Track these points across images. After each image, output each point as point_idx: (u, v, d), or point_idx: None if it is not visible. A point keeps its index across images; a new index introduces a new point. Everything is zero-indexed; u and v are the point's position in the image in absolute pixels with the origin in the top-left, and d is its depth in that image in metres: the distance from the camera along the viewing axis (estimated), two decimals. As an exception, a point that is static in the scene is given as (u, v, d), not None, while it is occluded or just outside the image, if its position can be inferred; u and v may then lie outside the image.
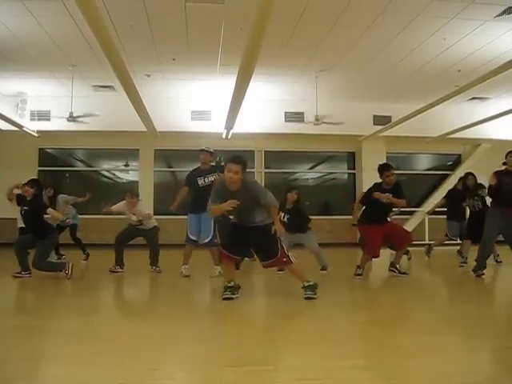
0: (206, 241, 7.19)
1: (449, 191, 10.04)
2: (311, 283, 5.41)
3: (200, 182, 7.29)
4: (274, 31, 7.06)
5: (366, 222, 7.23)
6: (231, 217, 5.71)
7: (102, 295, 6.39)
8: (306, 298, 5.28)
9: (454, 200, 9.54)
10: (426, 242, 13.01)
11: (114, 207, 8.23)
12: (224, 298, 5.28)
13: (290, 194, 7.39)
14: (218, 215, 5.38)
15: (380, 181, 7.16)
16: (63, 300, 5.71)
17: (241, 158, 5.18)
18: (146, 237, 8.00)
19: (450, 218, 9.79)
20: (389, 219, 7.62)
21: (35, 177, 12.33)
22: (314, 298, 5.28)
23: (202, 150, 7.44)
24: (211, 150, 7.50)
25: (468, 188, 8.80)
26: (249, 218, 5.32)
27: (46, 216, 7.34)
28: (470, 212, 8.91)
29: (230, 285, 5.38)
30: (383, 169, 7.16)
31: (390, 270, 7.34)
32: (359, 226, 7.44)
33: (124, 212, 8.02)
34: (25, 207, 7.17)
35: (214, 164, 7.65)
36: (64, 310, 5.02)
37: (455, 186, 9.89)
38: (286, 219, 7.26)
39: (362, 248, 7.73)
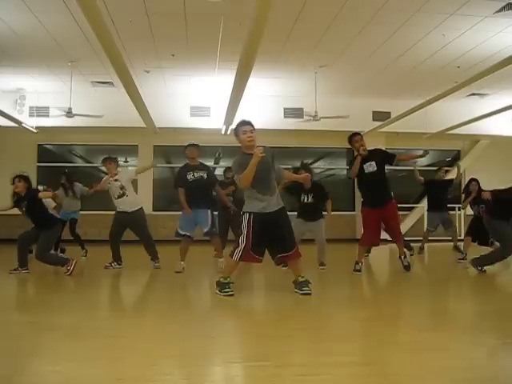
0: (206, 230, 7.20)
1: (427, 182, 9.97)
2: (305, 278, 5.42)
3: (189, 176, 7.24)
4: (273, 27, 7.06)
5: (363, 205, 7.24)
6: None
7: (101, 291, 6.38)
8: (304, 294, 5.29)
9: (432, 191, 9.79)
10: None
11: (100, 185, 8.09)
12: (226, 295, 5.26)
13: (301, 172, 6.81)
14: (251, 177, 5.11)
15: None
16: (61, 296, 5.70)
17: (249, 120, 5.45)
18: (133, 226, 7.81)
19: (428, 209, 10.10)
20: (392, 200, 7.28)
21: (34, 173, 12.38)
22: (310, 294, 5.29)
23: (189, 145, 7.40)
24: (197, 144, 7.47)
25: (470, 193, 8.80)
26: (269, 187, 5.30)
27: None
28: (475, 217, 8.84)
29: (226, 281, 5.37)
30: (352, 135, 7.25)
31: (399, 257, 7.34)
32: (362, 210, 7.39)
33: (108, 184, 7.82)
34: (24, 203, 7.15)
35: (201, 162, 7.61)
36: (62, 306, 5.02)
37: (434, 176, 10.08)
38: (310, 200, 7.31)
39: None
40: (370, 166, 6.97)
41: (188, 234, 7.20)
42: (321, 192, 7.47)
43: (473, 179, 8.94)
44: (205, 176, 7.29)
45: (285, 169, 6.11)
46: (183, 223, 7.25)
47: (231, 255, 5.33)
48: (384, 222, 7.13)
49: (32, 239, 7.22)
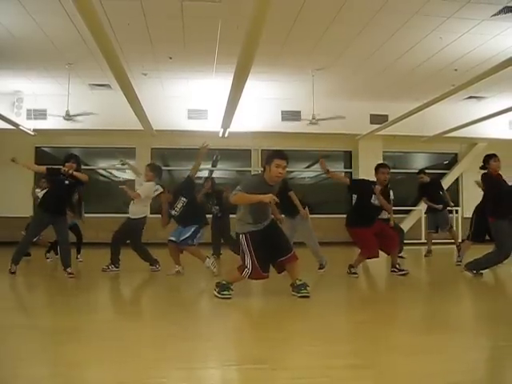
0: (182, 239, 7.20)
1: (420, 186, 10.18)
2: (302, 282, 5.42)
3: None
4: (270, 30, 7.07)
5: (355, 225, 7.20)
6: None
7: (99, 294, 6.38)
8: (302, 297, 5.28)
9: (426, 194, 10.01)
10: (423, 240, 13.08)
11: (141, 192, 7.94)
12: (223, 297, 5.27)
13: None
14: (246, 203, 5.19)
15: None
16: (60, 299, 5.68)
17: (286, 155, 5.30)
18: (131, 231, 7.86)
19: (426, 211, 10.46)
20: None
21: (31, 176, 12.34)
22: (309, 297, 5.29)
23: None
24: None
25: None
26: (266, 216, 5.42)
27: None
28: (479, 211, 8.71)
29: (228, 285, 5.37)
30: (380, 166, 7.25)
31: (391, 271, 7.30)
32: (349, 229, 7.37)
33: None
34: (66, 181, 7.12)
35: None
36: (60, 310, 5.00)
37: (422, 180, 10.15)
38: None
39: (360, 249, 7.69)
40: (376, 200, 7.05)
41: (173, 239, 7.26)
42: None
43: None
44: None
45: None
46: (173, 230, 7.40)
47: (240, 271, 5.34)
48: (380, 233, 7.09)
49: (38, 233, 7.37)
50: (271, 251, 5.39)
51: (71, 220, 8.62)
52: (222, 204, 9.62)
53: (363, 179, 7.32)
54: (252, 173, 13.98)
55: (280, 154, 5.24)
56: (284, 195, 7.01)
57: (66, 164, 7.09)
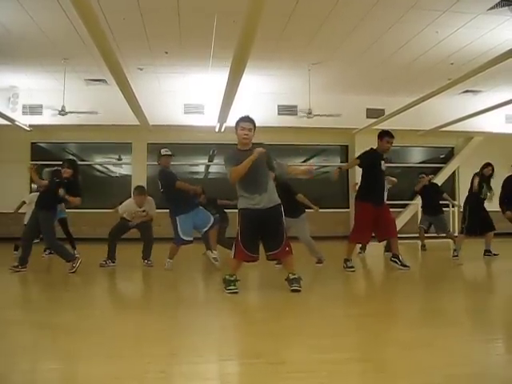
0: (207, 228, 7.26)
1: (423, 187, 10.27)
2: (297, 276, 5.44)
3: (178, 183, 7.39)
4: (266, 24, 7.06)
5: (361, 198, 7.14)
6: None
7: (96, 289, 6.39)
8: (294, 291, 5.31)
9: (427, 195, 10.22)
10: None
11: (122, 208, 8.06)
12: (230, 292, 5.29)
13: None
14: (243, 173, 5.16)
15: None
16: (57, 294, 5.69)
17: (251, 117, 5.42)
18: (141, 227, 7.96)
19: (423, 211, 10.62)
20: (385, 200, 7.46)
21: (27, 171, 12.31)
22: (300, 291, 5.30)
23: (167, 155, 7.67)
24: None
25: (484, 176, 8.76)
26: (257, 187, 5.31)
27: None
28: (473, 202, 8.75)
29: (232, 278, 5.40)
30: (385, 134, 7.17)
31: (391, 260, 7.18)
32: (355, 202, 7.38)
33: (131, 210, 7.94)
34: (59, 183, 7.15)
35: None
36: (58, 305, 5.02)
37: (429, 182, 10.35)
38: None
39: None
40: (383, 166, 7.03)
41: (190, 239, 7.26)
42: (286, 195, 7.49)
43: (488, 164, 8.90)
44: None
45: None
46: (184, 229, 7.21)
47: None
48: (378, 220, 6.97)
49: (35, 229, 7.23)
50: (262, 239, 5.41)
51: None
52: (220, 211, 9.43)
53: (367, 151, 7.20)
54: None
55: (243, 118, 5.42)
56: (287, 197, 7.04)
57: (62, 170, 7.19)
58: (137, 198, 7.97)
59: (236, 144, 5.49)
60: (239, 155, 5.25)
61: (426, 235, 10.46)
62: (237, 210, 5.46)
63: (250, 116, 5.45)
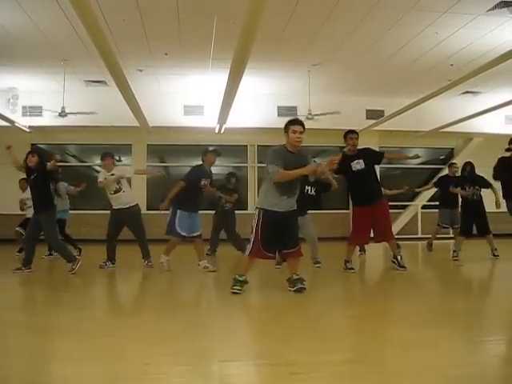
0: (195, 235, 7.24)
1: (439, 178, 10.20)
2: (299, 276, 5.45)
3: (202, 182, 7.31)
4: (266, 26, 7.05)
5: (352, 202, 7.25)
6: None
7: (96, 291, 6.38)
8: (298, 290, 5.32)
9: (445, 187, 9.56)
10: (419, 235, 13.14)
11: (103, 183, 7.88)
12: (233, 292, 5.30)
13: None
14: (288, 179, 5.22)
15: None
16: (56, 296, 5.68)
17: (301, 120, 5.54)
18: (130, 222, 7.82)
19: (441, 205, 10.06)
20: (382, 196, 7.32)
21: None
22: (305, 289, 5.33)
23: (214, 151, 7.52)
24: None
25: (465, 177, 8.74)
26: (290, 191, 5.37)
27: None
28: (465, 203, 8.75)
29: (241, 279, 5.40)
30: (348, 132, 7.25)
31: (391, 261, 7.23)
32: (353, 209, 7.36)
33: (105, 178, 7.79)
34: (33, 175, 7.25)
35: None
36: (57, 306, 5.01)
37: (447, 173, 10.15)
38: (313, 192, 7.42)
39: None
40: (358, 164, 6.96)
41: (185, 234, 7.24)
42: (324, 189, 7.59)
43: (468, 162, 8.93)
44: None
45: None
46: (181, 223, 7.21)
47: (244, 252, 5.47)
48: (374, 221, 6.95)
49: (36, 232, 7.23)
50: (278, 239, 5.40)
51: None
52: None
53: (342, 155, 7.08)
54: (248, 169, 14.10)
55: (295, 121, 5.50)
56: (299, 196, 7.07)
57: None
58: (103, 164, 7.95)
59: (283, 144, 5.48)
60: (288, 157, 5.29)
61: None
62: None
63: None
